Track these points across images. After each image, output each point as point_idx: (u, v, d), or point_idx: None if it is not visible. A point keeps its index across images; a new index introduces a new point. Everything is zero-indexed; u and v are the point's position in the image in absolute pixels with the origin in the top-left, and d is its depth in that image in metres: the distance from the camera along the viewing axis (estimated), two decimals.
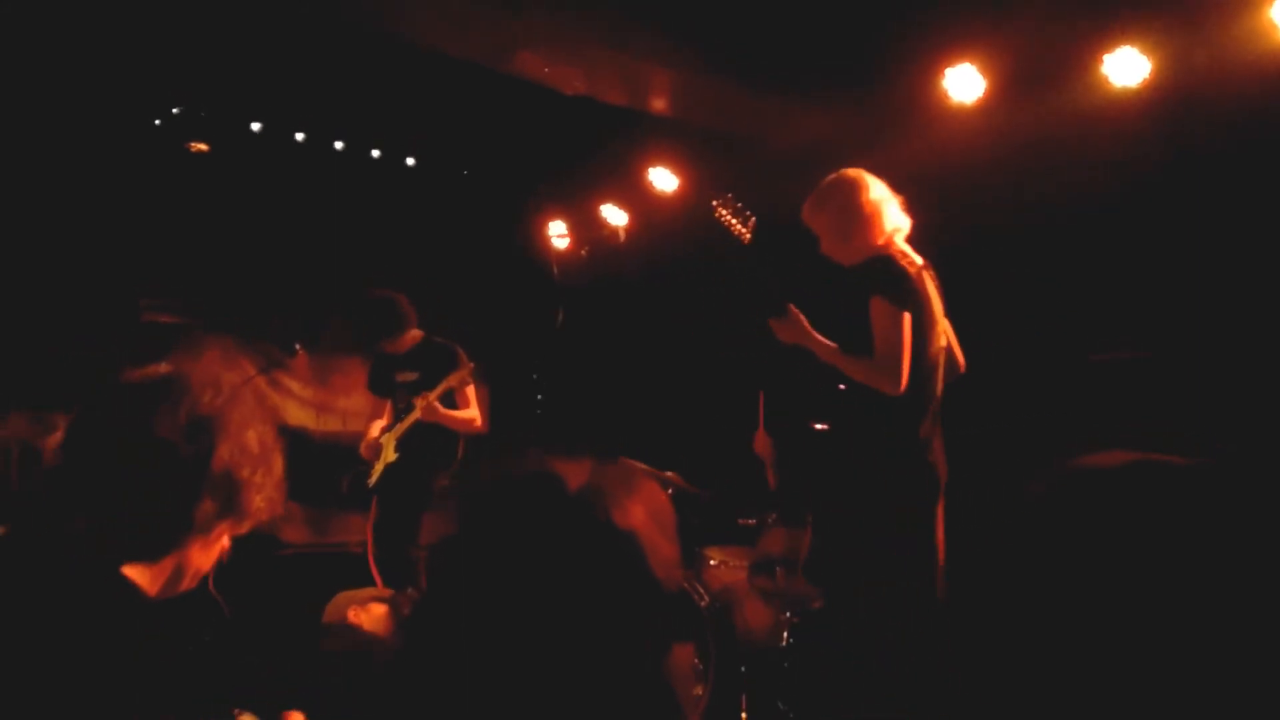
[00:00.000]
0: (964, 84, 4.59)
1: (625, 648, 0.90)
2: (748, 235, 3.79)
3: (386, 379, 5.37)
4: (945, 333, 3.51)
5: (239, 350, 6.51)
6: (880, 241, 3.44)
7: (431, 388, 5.06)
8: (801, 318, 3.53)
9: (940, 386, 3.44)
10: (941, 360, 3.45)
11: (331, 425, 7.44)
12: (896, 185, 3.61)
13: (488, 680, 0.89)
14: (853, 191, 3.48)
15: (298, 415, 7.32)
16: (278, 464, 1.55)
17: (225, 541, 1.50)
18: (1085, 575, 0.78)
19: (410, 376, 5.24)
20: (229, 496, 1.44)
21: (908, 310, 3.27)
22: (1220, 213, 4.25)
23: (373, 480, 5.29)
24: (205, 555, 1.47)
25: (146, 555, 1.38)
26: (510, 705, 0.88)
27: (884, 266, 3.36)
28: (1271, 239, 4.10)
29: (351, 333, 5.51)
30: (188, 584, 1.46)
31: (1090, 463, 0.85)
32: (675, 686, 0.93)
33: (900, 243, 3.47)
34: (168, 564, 1.41)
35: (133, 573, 1.36)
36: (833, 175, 3.54)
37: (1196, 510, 0.77)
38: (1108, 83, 4.25)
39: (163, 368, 1.47)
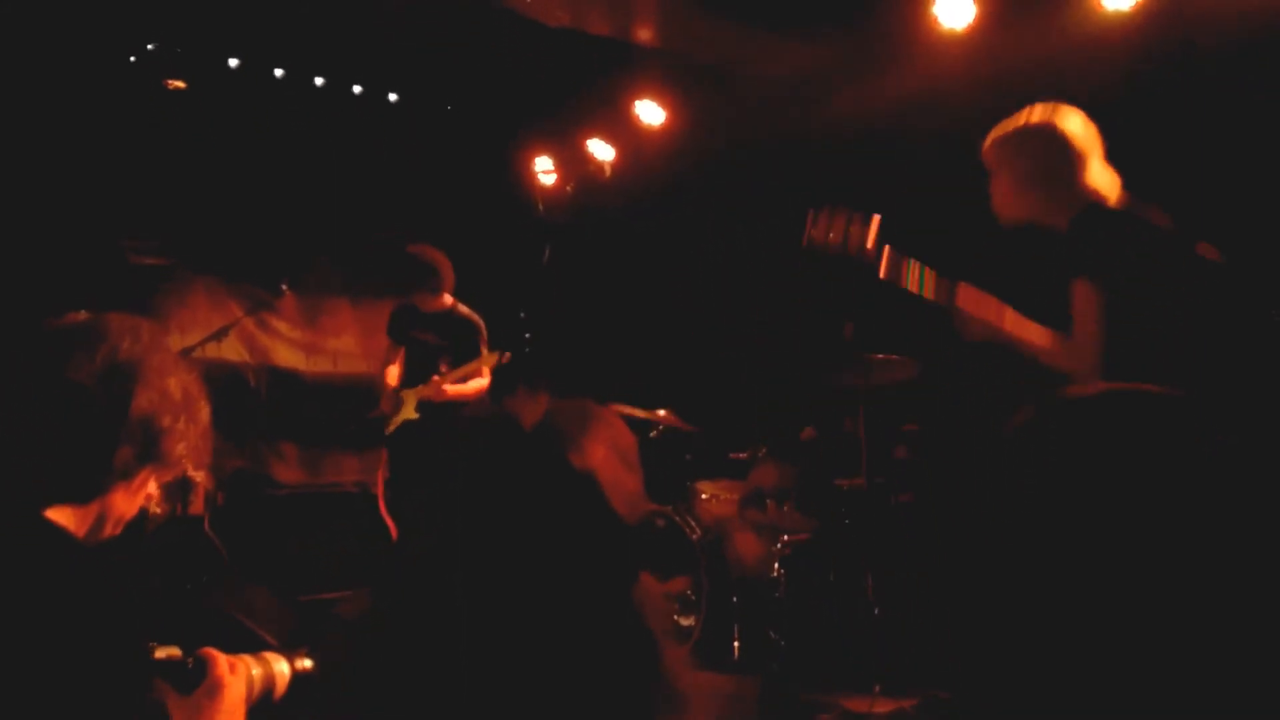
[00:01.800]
0: (954, 10, 4.52)
1: (589, 582, 0.91)
2: (870, 242, 2.99)
3: (406, 330, 5.42)
4: None
5: (226, 291, 6.56)
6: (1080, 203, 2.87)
7: (447, 354, 5.22)
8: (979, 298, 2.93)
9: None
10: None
11: (322, 366, 7.41)
12: (889, 113, 3.55)
13: (456, 618, 0.90)
14: (1057, 150, 2.88)
15: (287, 357, 7.28)
16: (203, 413, 1.54)
17: (152, 489, 1.50)
18: (1067, 498, 0.79)
19: (430, 338, 5.32)
20: (149, 443, 1.44)
21: (1107, 280, 2.73)
22: (1216, 137, 4.21)
23: (389, 430, 5.35)
24: (129, 501, 1.48)
25: (68, 501, 1.39)
26: (479, 640, 0.89)
27: (1084, 231, 2.81)
28: (1267, 164, 4.08)
29: (389, 284, 5.57)
30: (111, 530, 1.48)
31: (1069, 393, 0.85)
32: (645, 614, 0.94)
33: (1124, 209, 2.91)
34: (91, 510, 1.43)
35: (57, 516, 1.38)
36: (1031, 121, 2.93)
37: (1170, 435, 0.78)
38: (1100, 5, 4.19)
39: (81, 315, 1.46)
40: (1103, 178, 2.88)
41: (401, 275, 5.34)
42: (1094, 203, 2.83)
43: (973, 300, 2.91)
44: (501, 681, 0.89)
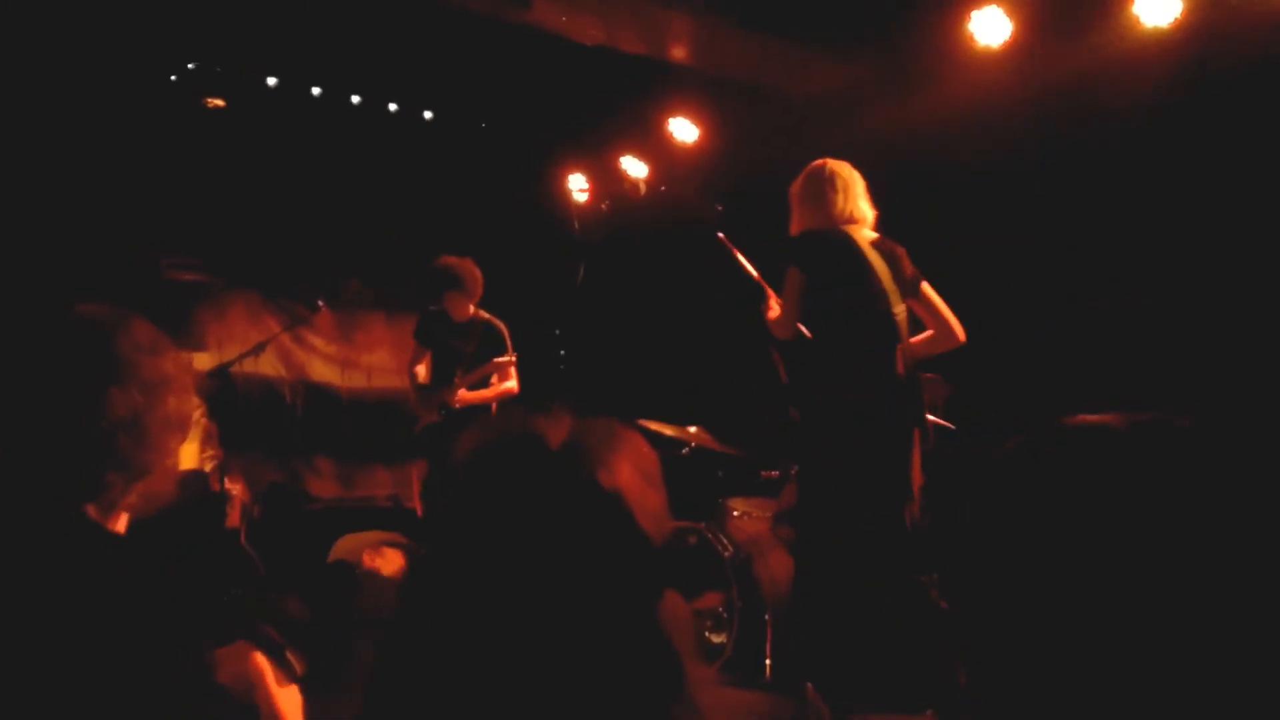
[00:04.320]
0: (990, 27, 4.50)
1: (617, 602, 0.91)
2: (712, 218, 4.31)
3: (433, 333, 5.56)
4: (923, 302, 3.80)
5: (263, 307, 6.64)
6: (819, 224, 3.78)
7: (471, 360, 5.35)
8: (771, 300, 4.03)
9: (886, 349, 3.73)
10: (889, 325, 3.73)
11: (357, 381, 7.48)
12: (923, 131, 3.57)
13: (477, 643, 0.90)
14: (809, 179, 3.86)
15: (323, 372, 7.36)
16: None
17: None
18: (1052, 531, 0.79)
19: (455, 344, 5.45)
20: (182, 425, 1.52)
21: (803, 271, 3.72)
22: (1252, 155, 4.16)
23: (416, 430, 5.55)
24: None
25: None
26: (501, 665, 0.89)
27: (801, 237, 3.80)
28: None
29: (422, 291, 5.66)
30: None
31: (1069, 423, 0.85)
32: (672, 634, 0.93)
33: (849, 230, 3.76)
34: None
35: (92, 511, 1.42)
36: (812, 164, 3.88)
37: (1168, 468, 0.77)
38: (1138, 23, 4.16)
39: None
40: (858, 208, 3.79)
41: (433, 281, 5.43)
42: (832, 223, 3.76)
43: (772, 296, 4.02)
44: (521, 700, 0.89)
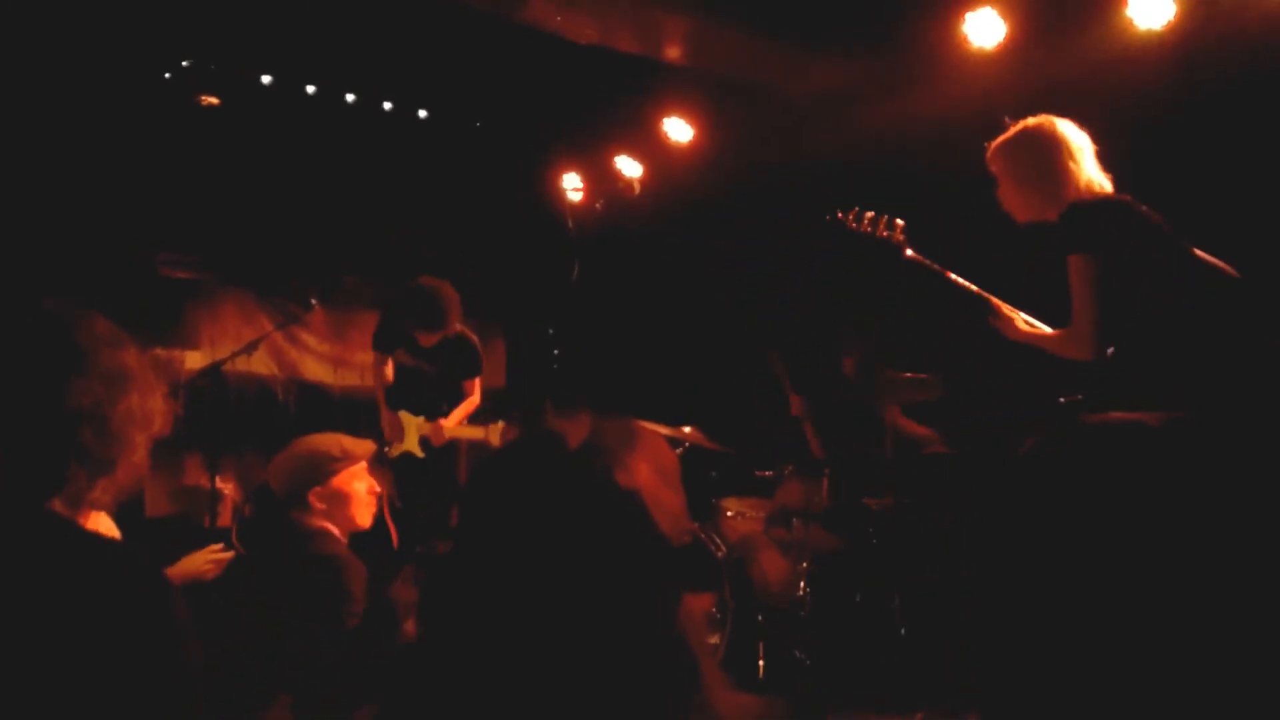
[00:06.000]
0: (984, 28, 4.51)
1: (635, 602, 0.91)
2: (899, 236, 3.42)
3: (394, 342, 5.32)
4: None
5: (256, 305, 6.62)
6: (1073, 196, 3.04)
7: (439, 380, 5.20)
8: (1006, 311, 3.29)
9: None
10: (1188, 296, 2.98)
11: (349, 379, 7.46)
12: (915, 133, 3.57)
13: (501, 641, 0.90)
14: (1027, 149, 3.14)
15: (315, 370, 7.35)
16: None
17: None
18: (1092, 526, 0.79)
19: (423, 365, 5.25)
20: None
21: (1095, 255, 2.89)
22: (1246, 158, 4.18)
23: (392, 455, 5.33)
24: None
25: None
26: (524, 665, 0.89)
27: (1076, 213, 2.97)
28: None
29: (394, 320, 5.31)
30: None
31: (1095, 421, 0.85)
32: (688, 635, 0.94)
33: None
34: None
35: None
36: (1025, 125, 3.19)
37: (1171, 465, 0.78)
38: (1132, 25, 4.17)
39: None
40: (1095, 176, 3.10)
41: (407, 309, 5.09)
42: (1085, 195, 3.03)
43: (998, 304, 3.30)
44: (541, 700, 0.89)
